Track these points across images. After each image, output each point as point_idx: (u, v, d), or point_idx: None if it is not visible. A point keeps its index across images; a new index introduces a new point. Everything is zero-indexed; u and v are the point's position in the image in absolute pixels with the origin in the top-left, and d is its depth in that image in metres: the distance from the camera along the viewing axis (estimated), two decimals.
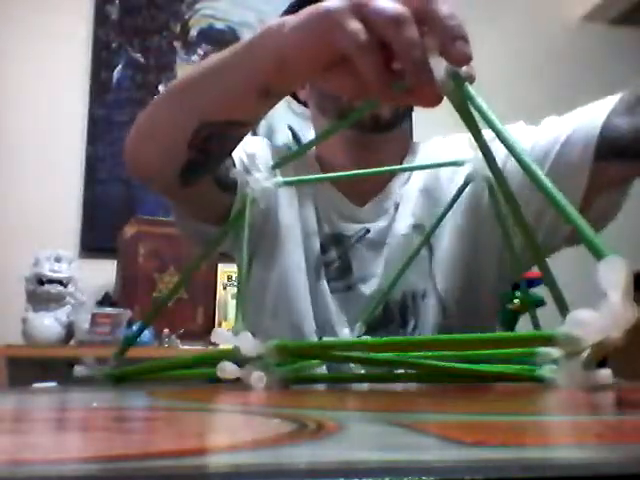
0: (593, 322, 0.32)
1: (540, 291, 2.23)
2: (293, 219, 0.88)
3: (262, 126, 2.45)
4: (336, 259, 0.86)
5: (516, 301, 1.94)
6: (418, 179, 0.89)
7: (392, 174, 0.89)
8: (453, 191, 0.78)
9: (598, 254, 0.35)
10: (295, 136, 2.29)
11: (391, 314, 0.82)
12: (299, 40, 0.53)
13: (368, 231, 0.87)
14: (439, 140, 0.94)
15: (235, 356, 0.44)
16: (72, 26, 2.36)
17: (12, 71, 2.28)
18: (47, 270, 1.87)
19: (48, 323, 1.87)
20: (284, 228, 0.87)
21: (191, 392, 0.46)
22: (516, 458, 0.18)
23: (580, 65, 2.82)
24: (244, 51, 0.60)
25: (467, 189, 0.79)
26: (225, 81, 0.62)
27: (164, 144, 0.71)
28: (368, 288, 0.85)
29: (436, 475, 0.15)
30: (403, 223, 0.86)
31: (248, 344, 0.43)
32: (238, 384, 0.44)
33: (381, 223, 0.87)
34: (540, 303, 2.16)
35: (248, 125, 0.68)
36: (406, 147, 0.92)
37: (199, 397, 0.43)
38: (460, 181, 0.77)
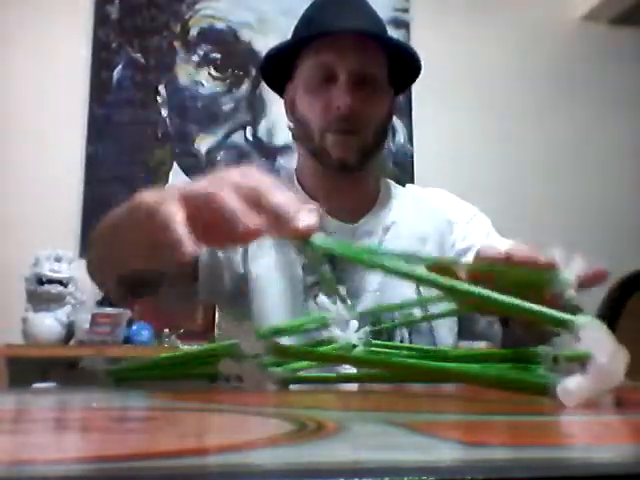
0: (582, 387, 0.33)
1: None
2: (268, 249, 0.92)
3: (262, 126, 2.45)
4: (328, 272, 0.90)
5: None
6: (406, 225, 0.97)
7: (374, 201, 0.98)
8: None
9: (571, 325, 0.36)
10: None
11: (381, 330, 0.88)
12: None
13: None
14: (417, 190, 1.05)
15: (236, 352, 0.44)
16: (72, 26, 2.35)
17: (12, 71, 2.28)
18: (47, 270, 1.87)
19: (48, 323, 1.86)
20: (262, 266, 0.92)
21: (191, 392, 0.46)
22: (516, 458, 0.18)
23: (580, 65, 2.81)
24: (130, 211, 0.59)
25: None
26: (119, 239, 0.63)
27: (100, 278, 0.78)
28: (360, 302, 0.90)
29: (436, 475, 0.15)
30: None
31: (250, 341, 0.43)
32: (238, 384, 0.44)
33: (372, 241, 0.94)
34: None
35: (161, 273, 0.71)
36: (377, 184, 1.00)
37: (199, 397, 0.43)
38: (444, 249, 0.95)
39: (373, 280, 0.92)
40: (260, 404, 0.40)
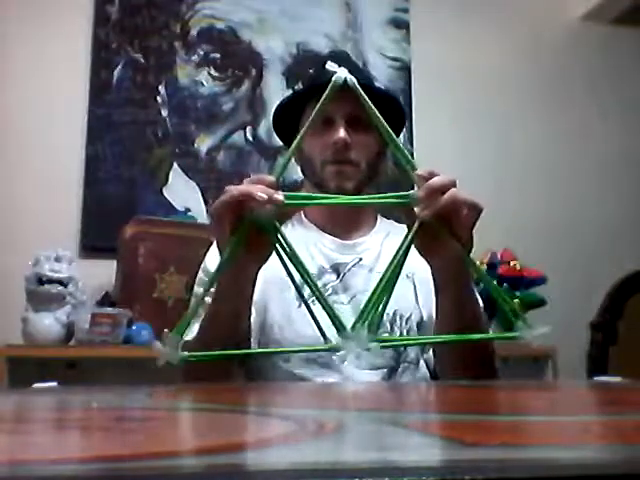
0: None
1: (541, 290, 2.22)
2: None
3: (262, 126, 2.45)
4: (334, 280, 1.07)
5: (516, 301, 1.94)
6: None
7: (372, 228, 1.16)
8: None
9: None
10: None
11: (383, 323, 0.98)
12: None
13: (361, 259, 1.10)
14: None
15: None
16: (72, 26, 2.35)
17: (12, 71, 2.27)
18: (47, 270, 1.87)
19: (48, 323, 1.86)
20: (270, 277, 1.01)
21: (191, 392, 0.46)
22: (516, 458, 0.18)
23: (580, 65, 2.81)
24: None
25: None
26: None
27: None
28: (362, 303, 0.99)
29: (436, 475, 0.15)
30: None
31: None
32: (239, 384, 0.44)
33: (371, 254, 1.10)
34: (540, 303, 2.15)
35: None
36: (374, 215, 1.18)
37: (199, 397, 0.43)
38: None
39: (373, 281, 0.97)
40: (260, 404, 0.40)
